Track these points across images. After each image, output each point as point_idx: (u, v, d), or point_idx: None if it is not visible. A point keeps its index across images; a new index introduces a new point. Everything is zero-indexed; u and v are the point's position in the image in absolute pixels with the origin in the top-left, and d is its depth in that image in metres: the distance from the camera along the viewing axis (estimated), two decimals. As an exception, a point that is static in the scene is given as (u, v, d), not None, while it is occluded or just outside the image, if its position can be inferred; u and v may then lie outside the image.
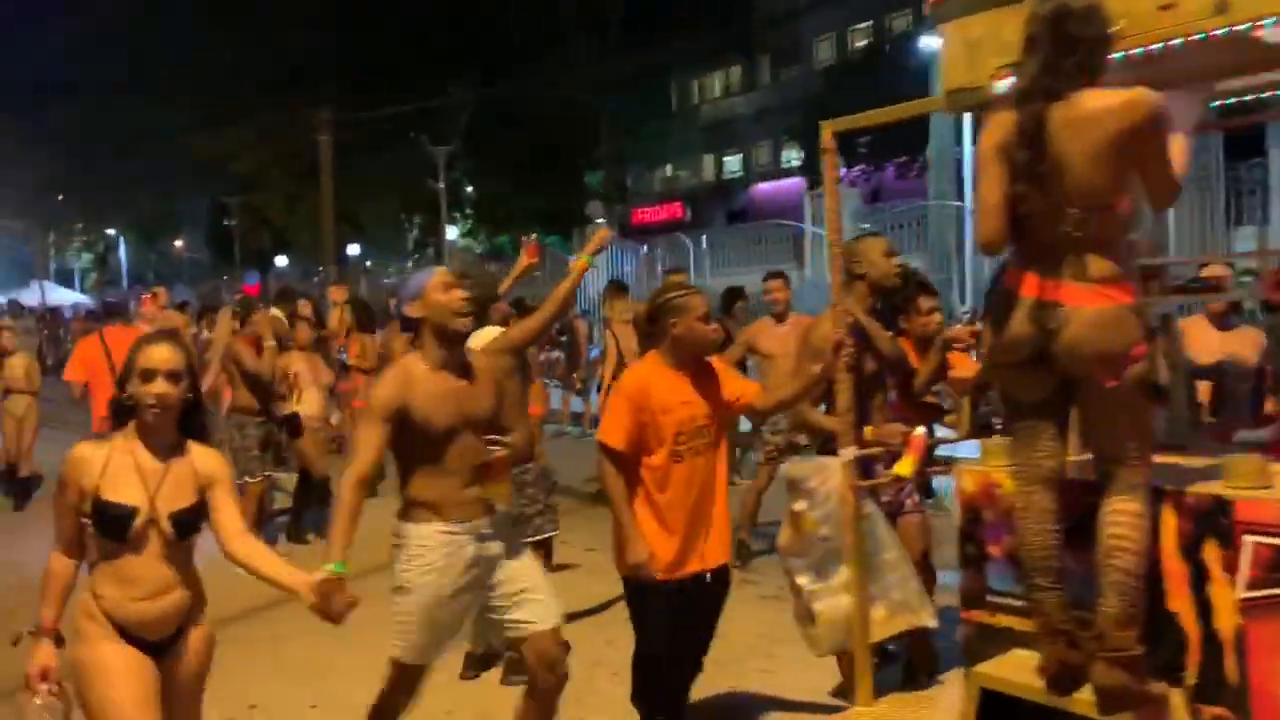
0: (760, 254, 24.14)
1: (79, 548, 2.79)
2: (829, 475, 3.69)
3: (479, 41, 31.59)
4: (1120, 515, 2.79)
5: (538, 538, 5.07)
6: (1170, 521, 2.87)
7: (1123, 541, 2.77)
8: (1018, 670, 3.08)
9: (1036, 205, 2.77)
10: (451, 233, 32.47)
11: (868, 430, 3.85)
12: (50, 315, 26.08)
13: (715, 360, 3.77)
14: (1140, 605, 2.76)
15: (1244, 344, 5.09)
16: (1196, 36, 2.82)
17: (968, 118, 18.36)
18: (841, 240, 3.85)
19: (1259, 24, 2.75)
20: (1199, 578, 2.81)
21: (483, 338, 3.99)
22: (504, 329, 4.33)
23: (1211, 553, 2.79)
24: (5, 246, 47.94)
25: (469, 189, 35.58)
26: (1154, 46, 2.90)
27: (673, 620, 3.56)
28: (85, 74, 39.71)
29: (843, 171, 23.89)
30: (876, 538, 3.74)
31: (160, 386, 2.70)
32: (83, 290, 43.25)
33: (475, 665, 4.75)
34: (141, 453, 2.75)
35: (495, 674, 4.71)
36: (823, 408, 3.94)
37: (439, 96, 29.25)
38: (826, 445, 3.86)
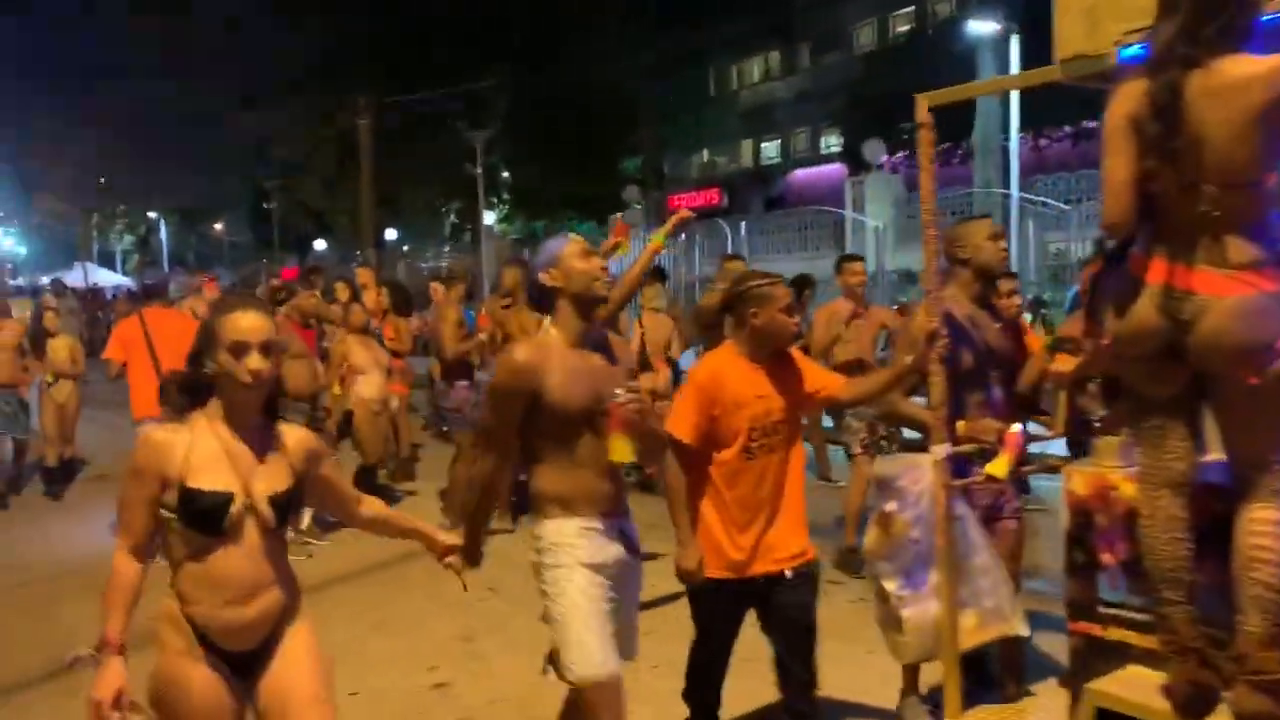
0: (800, 240, 23.84)
1: (149, 547, 2.46)
2: (920, 474, 3.45)
3: (517, 27, 31.44)
4: (1261, 525, 2.56)
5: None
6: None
7: (1264, 553, 2.54)
8: (1136, 689, 2.85)
9: (1169, 183, 2.55)
10: (489, 218, 32.37)
11: (960, 425, 3.60)
12: (92, 296, 26.40)
13: (795, 351, 3.54)
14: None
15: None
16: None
17: (1014, 104, 18.07)
18: (934, 222, 3.56)
19: None
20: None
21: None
22: None
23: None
24: (49, 229, 48.67)
25: (505, 174, 35.50)
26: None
27: (734, 622, 3.38)
28: (129, 59, 40.16)
29: (884, 158, 23.51)
30: (969, 540, 3.49)
31: (256, 361, 2.39)
32: (124, 272, 43.73)
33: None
34: (227, 434, 2.44)
35: (538, 663, 4.55)
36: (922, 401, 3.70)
37: (477, 82, 29.13)
38: (912, 443, 3.64)
